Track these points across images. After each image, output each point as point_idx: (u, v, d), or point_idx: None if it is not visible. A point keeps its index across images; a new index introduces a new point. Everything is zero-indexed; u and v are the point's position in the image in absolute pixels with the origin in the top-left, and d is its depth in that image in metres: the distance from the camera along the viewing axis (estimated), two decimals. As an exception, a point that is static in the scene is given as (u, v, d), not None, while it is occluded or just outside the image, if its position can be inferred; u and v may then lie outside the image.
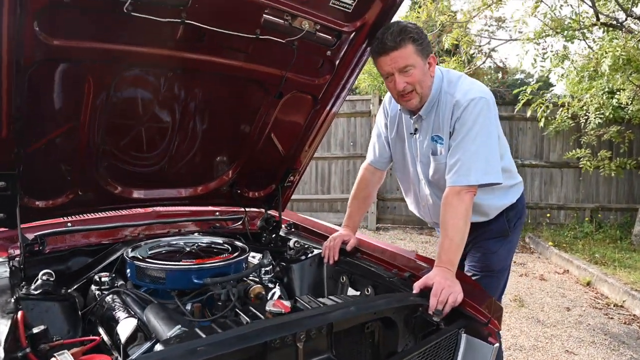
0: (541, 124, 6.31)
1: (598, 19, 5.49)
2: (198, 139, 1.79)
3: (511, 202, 1.84)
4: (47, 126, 1.42)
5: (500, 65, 13.51)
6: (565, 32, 5.58)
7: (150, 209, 2.10)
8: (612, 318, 3.80)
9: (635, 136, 6.42)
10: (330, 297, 1.41)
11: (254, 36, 1.45)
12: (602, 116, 5.73)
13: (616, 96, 5.61)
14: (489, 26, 12.44)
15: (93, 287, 1.50)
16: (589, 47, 5.90)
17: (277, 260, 1.83)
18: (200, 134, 1.78)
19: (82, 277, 1.56)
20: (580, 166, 6.30)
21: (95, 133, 1.51)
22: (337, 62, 1.73)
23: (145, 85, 1.54)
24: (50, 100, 1.37)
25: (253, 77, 1.65)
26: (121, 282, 1.54)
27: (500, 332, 1.42)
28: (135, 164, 1.74)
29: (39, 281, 1.31)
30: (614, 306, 4.07)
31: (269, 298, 1.54)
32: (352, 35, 1.64)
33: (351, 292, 1.72)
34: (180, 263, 1.45)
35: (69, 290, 1.43)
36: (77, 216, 1.86)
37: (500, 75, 13.86)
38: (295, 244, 1.91)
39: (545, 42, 5.99)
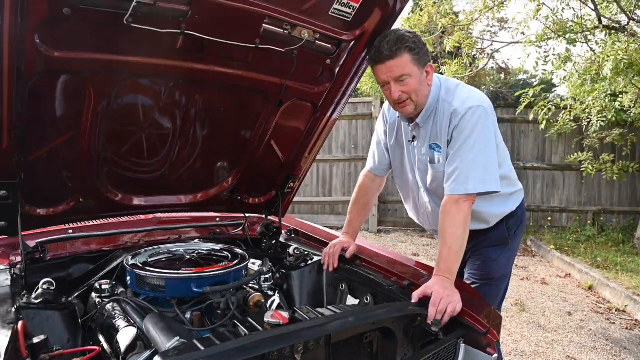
0: (543, 126, 6.30)
1: (600, 22, 5.47)
2: (198, 146, 1.80)
3: (511, 209, 1.84)
4: (48, 135, 1.43)
5: (503, 66, 13.48)
6: (568, 35, 5.57)
7: (151, 216, 2.11)
8: (614, 323, 3.79)
9: (638, 139, 6.40)
10: (329, 307, 1.41)
11: (254, 46, 1.46)
12: (604, 119, 5.71)
13: (619, 99, 5.59)
14: (491, 27, 12.42)
15: (93, 294, 1.51)
16: (591, 50, 5.89)
17: (277, 267, 1.84)
18: (201, 141, 1.79)
19: (83, 285, 1.57)
20: (583, 169, 6.29)
21: (96, 141, 1.52)
22: (337, 70, 1.74)
23: (146, 93, 1.55)
24: (51, 110, 1.38)
25: (253, 85, 1.66)
26: (121, 289, 1.55)
27: (501, 336, 1.42)
28: (136, 170, 1.75)
29: (40, 290, 1.32)
30: (615, 311, 4.06)
31: (268, 306, 1.55)
32: (351, 44, 1.64)
33: (350, 300, 1.73)
34: (180, 271, 1.46)
35: (70, 299, 1.44)
36: (77, 223, 1.87)
37: (502, 76, 13.82)
38: (295, 251, 1.91)
39: (547, 45, 5.98)
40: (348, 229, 1.97)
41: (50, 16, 1.13)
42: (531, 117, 6.38)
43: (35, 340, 1.09)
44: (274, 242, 2.12)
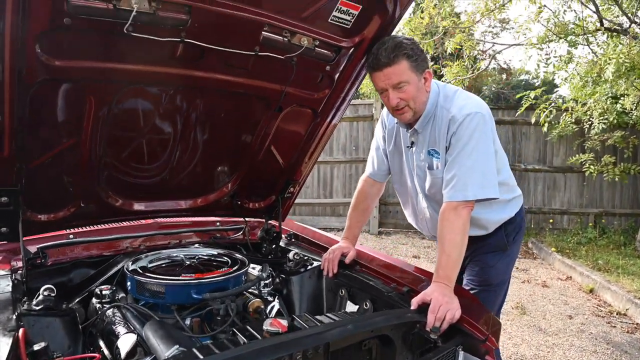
0: (544, 128, 6.29)
1: (602, 24, 5.46)
2: (199, 151, 1.81)
3: (510, 216, 1.84)
4: (49, 142, 1.45)
5: (504, 66, 13.46)
6: (569, 37, 5.56)
7: (151, 220, 2.12)
8: (614, 327, 3.78)
9: (639, 141, 6.38)
10: (328, 314, 1.41)
11: (253, 53, 1.46)
12: (606, 121, 5.70)
13: (620, 101, 5.58)
14: (493, 27, 12.41)
15: (94, 299, 1.52)
16: (593, 52, 5.88)
17: (276, 272, 1.85)
18: (201, 147, 1.80)
19: (84, 290, 1.58)
20: (584, 170, 6.28)
21: (97, 147, 1.53)
22: (337, 76, 1.74)
23: (146, 99, 1.56)
24: (52, 117, 1.40)
25: (253, 92, 1.66)
26: (122, 294, 1.56)
27: (501, 339, 1.43)
28: (136, 176, 1.77)
29: (41, 296, 1.33)
30: (616, 314, 4.05)
31: (267, 312, 1.55)
32: (351, 51, 1.65)
33: (350, 306, 1.73)
34: (180, 278, 1.46)
35: (71, 304, 1.45)
36: (78, 228, 1.88)
37: (504, 76, 13.79)
38: (295, 256, 1.92)
39: (549, 47, 5.97)
40: (347, 234, 1.98)
41: (51, 26, 1.14)
42: (533, 120, 6.37)
43: (36, 347, 1.10)
44: (274, 246, 2.13)
